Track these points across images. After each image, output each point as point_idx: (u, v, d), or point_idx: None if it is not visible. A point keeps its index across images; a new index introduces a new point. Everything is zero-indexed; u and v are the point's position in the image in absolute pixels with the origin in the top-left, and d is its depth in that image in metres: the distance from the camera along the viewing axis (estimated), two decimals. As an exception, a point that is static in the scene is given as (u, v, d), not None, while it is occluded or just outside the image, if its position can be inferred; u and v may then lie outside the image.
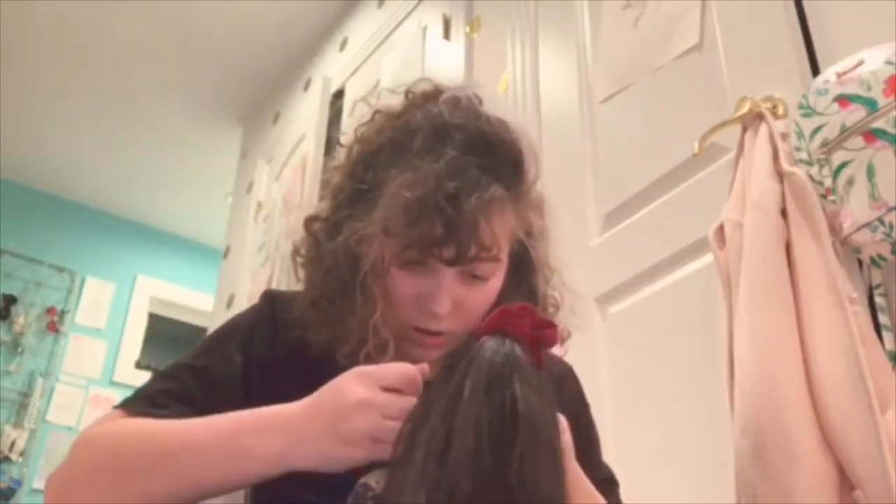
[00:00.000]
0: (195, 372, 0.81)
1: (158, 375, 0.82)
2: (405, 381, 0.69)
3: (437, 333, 0.81)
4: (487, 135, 0.80)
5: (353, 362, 0.75)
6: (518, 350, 0.65)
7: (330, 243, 0.82)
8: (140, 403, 0.78)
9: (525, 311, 0.67)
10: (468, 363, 0.64)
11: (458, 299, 0.79)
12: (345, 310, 0.80)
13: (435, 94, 0.86)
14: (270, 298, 0.90)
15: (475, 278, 0.80)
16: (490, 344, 0.65)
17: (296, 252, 0.88)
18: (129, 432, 0.75)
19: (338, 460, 0.67)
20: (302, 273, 0.88)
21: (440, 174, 0.74)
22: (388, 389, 0.68)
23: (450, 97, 0.84)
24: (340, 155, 0.89)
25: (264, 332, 0.85)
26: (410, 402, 0.67)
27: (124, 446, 0.74)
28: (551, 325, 0.69)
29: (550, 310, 0.89)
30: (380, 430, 0.65)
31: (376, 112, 0.87)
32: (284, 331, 0.85)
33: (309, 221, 0.87)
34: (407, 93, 0.87)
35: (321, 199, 0.89)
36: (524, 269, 0.88)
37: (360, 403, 0.66)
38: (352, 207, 0.82)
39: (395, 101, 0.87)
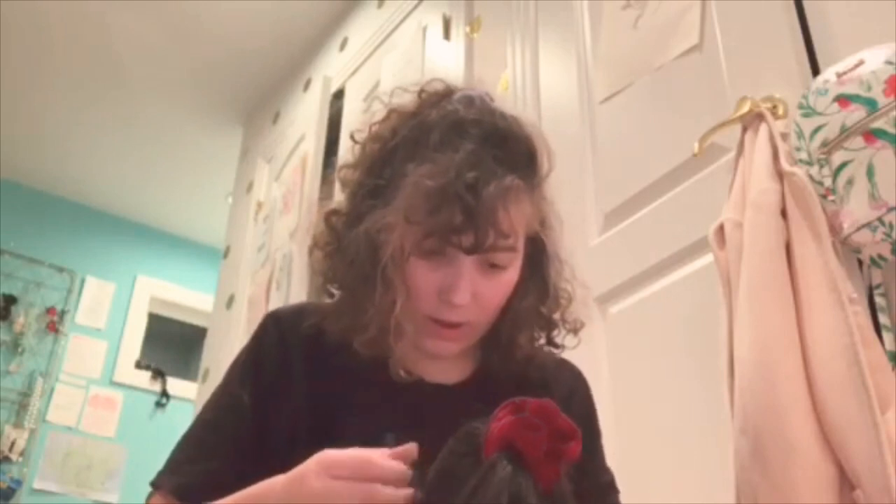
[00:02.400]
0: (211, 428, 0.84)
1: (183, 443, 0.84)
2: (359, 468, 0.67)
3: (455, 325, 0.82)
4: (502, 129, 0.82)
5: (372, 350, 0.80)
6: (528, 487, 0.58)
7: (351, 234, 0.83)
8: (171, 482, 0.81)
9: (542, 421, 0.60)
10: (473, 489, 0.59)
11: (476, 290, 0.80)
12: (365, 298, 0.80)
13: (448, 93, 0.87)
14: (273, 317, 0.90)
15: (493, 268, 0.81)
16: (500, 473, 0.58)
17: (314, 245, 0.89)
18: None
19: None
20: (321, 265, 0.88)
21: (459, 165, 0.76)
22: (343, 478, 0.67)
23: (463, 96, 0.85)
24: (355, 152, 0.90)
25: (271, 351, 0.86)
26: (364, 488, 0.65)
27: None
28: (572, 435, 0.60)
29: (562, 302, 0.89)
30: None
31: (391, 111, 0.88)
32: (296, 339, 0.85)
33: (329, 215, 0.88)
34: (420, 92, 0.88)
35: (342, 192, 0.90)
36: (538, 261, 0.88)
37: (314, 496, 0.67)
38: (372, 199, 0.83)
39: (409, 100, 0.88)
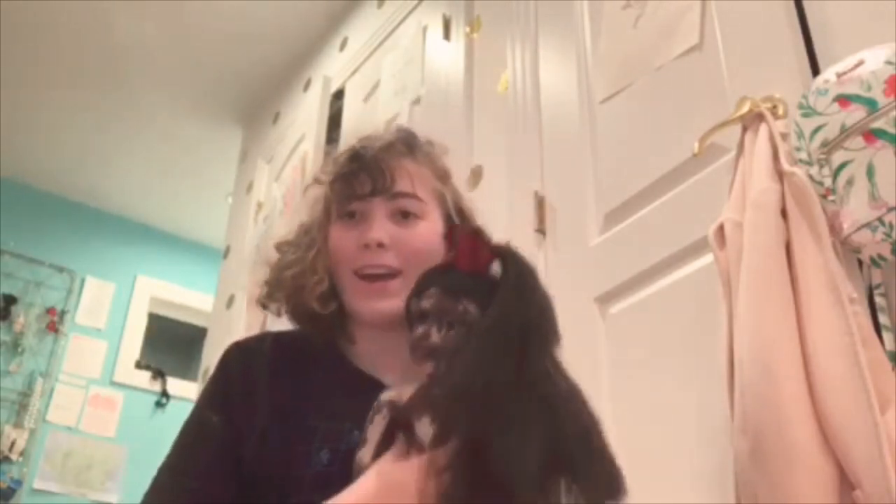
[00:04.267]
0: (186, 453, 0.86)
1: (159, 472, 0.86)
2: None
3: (380, 277, 0.89)
4: (383, 133, 1.01)
5: (327, 335, 0.92)
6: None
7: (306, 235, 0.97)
8: None
9: (477, 236, 0.80)
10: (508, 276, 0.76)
11: (394, 237, 0.90)
12: (307, 260, 0.93)
13: None
14: (235, 345, 0.96)
15: (406, 216, 0.91)
16: (512, 268, 0.77)
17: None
18: None
19: None
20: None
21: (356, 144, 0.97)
22: None
23: None
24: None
25: (235, 375, 0.90)
26: None
27: None
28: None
29: None
30: None
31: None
32: (260, 360, 0.91)
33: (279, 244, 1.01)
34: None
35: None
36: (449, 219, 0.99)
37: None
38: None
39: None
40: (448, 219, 0.96)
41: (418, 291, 0.79)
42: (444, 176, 1.00)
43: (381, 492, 0.71)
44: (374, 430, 0.76)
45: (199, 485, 0.82)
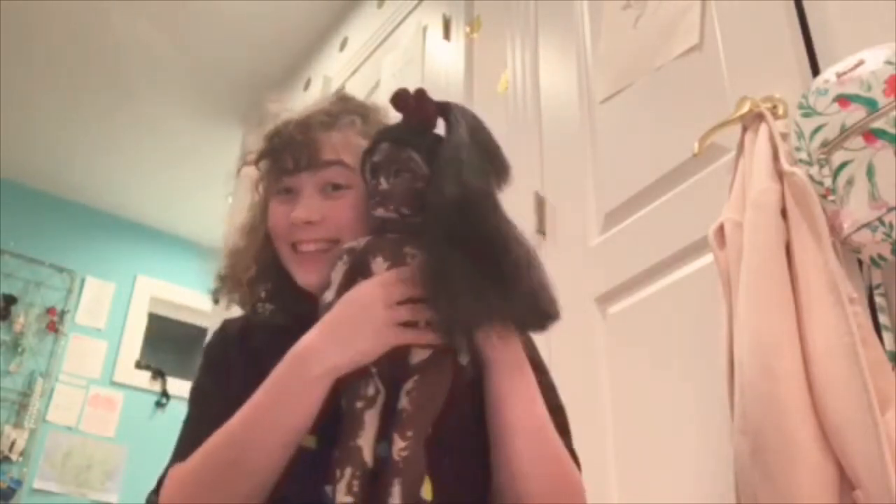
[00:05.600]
0: (197, 420, 0.89)
1: (178, 443, 0.88)
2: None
3: (312, 252, 0.91)
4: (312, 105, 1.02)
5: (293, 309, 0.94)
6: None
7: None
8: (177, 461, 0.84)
9: (422, 94, 0.84)
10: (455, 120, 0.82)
11: (324, 211, 0.91)
12: (239, 250, 1.01)
13: None
14: (219, 327, 1.01)
15: (336, 189, 0.92)
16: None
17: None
18: (193, 461, 0.81)
19: (370, 351, 0.77)
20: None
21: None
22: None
23: None
24: None
25: (216, 353, 0.96)
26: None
27: (205, 468, 0.80)
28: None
29: None
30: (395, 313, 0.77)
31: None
32: (233, 337, 0.96)
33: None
34: None
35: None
36: None
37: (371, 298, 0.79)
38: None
39: None
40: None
41: (370, 148, 0.85)
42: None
43: (343, 306, 0.79)
44: (337, 273, 0.83)
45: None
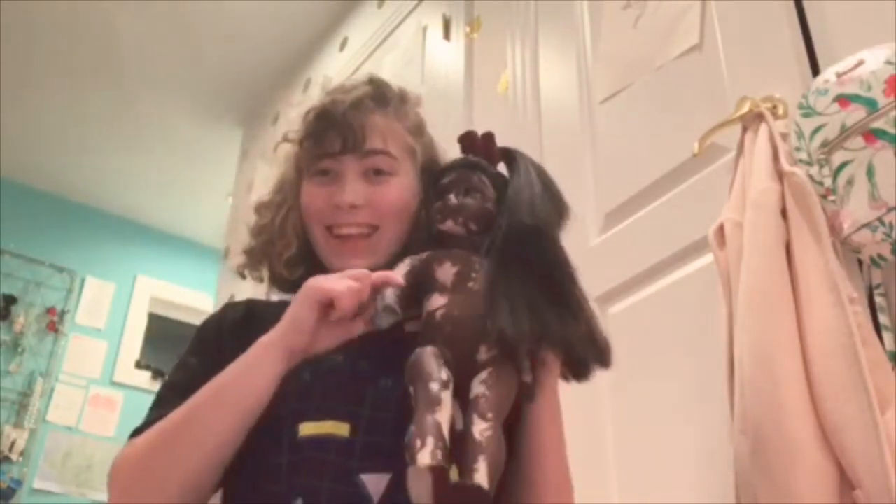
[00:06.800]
0: (166, 387, 0.89)
1: (153, 405, 0.88)
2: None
3: (352, 237, 0.91)
4: (355, 84, 1.00)
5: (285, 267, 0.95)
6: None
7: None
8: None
9: (490, 137, 0.86)
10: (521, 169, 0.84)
11: (367, 196, 0.91)
12: (279, 222, 0.98)
13: None
14: (223, 306, 1.01)
15: (378, 174, 0.92)
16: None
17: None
18: (153, 430, 0.81)
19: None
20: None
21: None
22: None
23: None
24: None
25: (210, 327, 0.95)
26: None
27: (156, 437, 0.80)
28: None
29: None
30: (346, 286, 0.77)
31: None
32: (231, 316, 0.95)
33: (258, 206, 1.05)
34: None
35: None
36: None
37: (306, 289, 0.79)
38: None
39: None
40: (422, 172, 0.97)
41: (441, 171, 0.85)
42: (415, 129, 1.00)
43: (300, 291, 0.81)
44: (399, 270, 0.81)
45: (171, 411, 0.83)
